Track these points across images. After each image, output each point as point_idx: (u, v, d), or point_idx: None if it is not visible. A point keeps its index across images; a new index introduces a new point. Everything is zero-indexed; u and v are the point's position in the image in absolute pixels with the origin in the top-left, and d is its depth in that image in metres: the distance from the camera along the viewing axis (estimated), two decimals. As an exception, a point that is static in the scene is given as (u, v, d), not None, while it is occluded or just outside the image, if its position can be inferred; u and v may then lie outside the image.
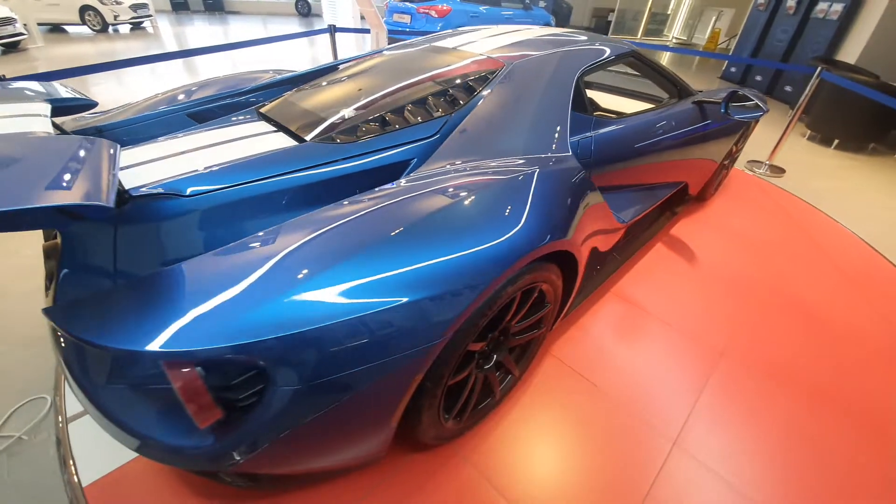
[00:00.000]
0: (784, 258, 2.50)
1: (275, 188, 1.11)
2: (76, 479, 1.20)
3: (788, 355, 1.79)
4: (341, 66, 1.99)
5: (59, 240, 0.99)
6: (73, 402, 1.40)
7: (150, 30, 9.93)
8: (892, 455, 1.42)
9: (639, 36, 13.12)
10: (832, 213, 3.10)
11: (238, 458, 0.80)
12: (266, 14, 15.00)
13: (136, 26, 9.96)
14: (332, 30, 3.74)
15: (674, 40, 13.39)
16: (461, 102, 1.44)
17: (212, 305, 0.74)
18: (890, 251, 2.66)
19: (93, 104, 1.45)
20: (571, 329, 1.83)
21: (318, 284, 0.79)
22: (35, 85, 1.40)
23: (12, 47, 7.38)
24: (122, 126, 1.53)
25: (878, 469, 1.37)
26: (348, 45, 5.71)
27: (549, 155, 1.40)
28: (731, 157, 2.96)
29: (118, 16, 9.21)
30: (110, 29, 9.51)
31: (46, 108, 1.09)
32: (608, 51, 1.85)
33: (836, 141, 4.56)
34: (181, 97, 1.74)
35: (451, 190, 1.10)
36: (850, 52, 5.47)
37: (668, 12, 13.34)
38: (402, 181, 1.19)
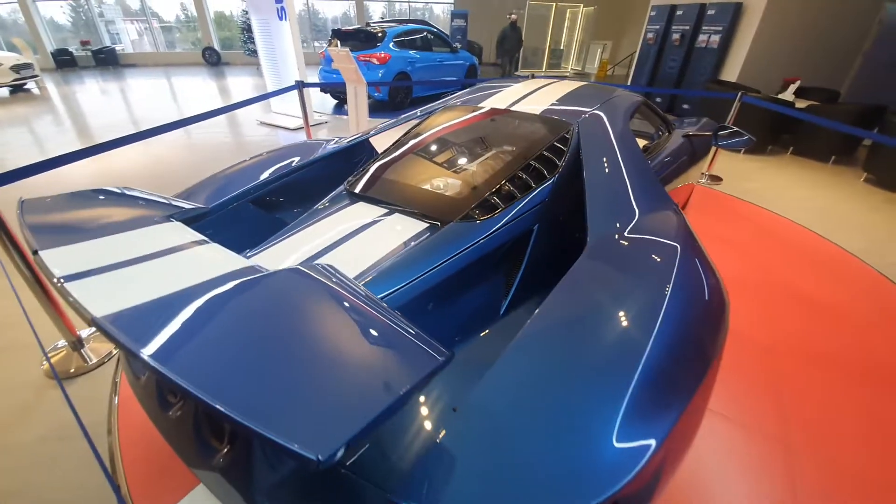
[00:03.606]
0: (757, 250, 2.96)
1: (439, 277, 1.08)
2: None
3: (817, 340, 2.08)
4: (404, 136, 1.87)
5: None
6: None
7: (35, 91, 8.70)
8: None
9: (543, 69, 14.53)
10: (768, 206, 3.75)
11: None
12: (166, 65, 13.95)
13: (18, 89, 8.67)
14: (301, 85, 3.64)
15: (571, 71, 15.05)
16: (557, 164, 1.49)
17: (542, 454, 0.67)
18: (817, 227, 3.37)
19: (206, 211, 1.27)
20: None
21: (629, 416, 0.73)
22: (130, 195, 1.16)
23: None
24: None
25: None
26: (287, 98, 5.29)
27: (667, 206, 1.48)
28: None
29: (-5, 79, 7.97)
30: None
31: (185, 228, 0.94)
32: (631, 100, 2.06)
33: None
34: (232, 186, 1.57)
35: (656, 280, 1.04)
36: (731, 73, 6.64)
37: (562, 48, 15.02)
38: (586, 266, 1.09)
